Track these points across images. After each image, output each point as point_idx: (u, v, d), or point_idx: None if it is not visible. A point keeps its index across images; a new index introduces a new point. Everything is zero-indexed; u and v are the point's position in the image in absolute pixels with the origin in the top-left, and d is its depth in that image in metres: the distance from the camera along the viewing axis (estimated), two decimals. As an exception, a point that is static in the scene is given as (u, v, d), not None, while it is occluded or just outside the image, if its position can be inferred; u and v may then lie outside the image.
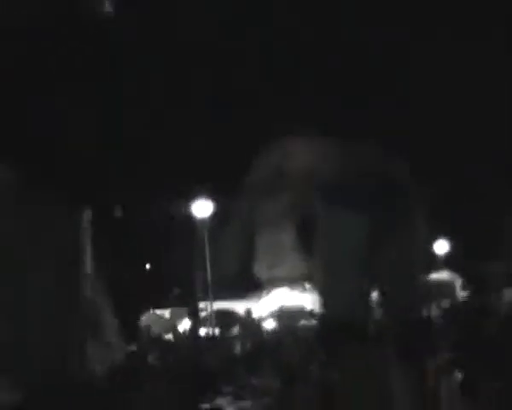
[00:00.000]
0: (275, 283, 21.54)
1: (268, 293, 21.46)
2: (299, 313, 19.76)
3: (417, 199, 3.44)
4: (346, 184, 3.12)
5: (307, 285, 22.05)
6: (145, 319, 16.63)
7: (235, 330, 15.13)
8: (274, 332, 14.66)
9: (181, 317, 17.48)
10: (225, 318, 16.69)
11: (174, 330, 16.08)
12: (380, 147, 3.37)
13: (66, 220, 2.01)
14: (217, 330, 14.96)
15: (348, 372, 3.24)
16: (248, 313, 16.98)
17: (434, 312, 9.89)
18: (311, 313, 20.48)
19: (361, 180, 3.13)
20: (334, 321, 2.99)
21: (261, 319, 16.85)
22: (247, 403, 7.42)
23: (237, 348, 12.79)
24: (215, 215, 20.52)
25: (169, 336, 14.83)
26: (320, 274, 3.79)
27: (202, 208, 19.63)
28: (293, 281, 21.95)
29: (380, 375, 3.24)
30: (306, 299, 22.41)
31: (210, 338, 13.03)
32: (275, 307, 20.07)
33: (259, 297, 21.07)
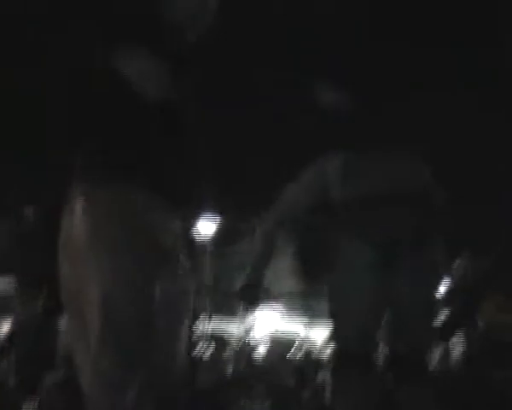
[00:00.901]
0: (271, 306, 21.79)
1: (262, 317, 21.78)
2: (293, 339, 19.90)
3: (440, 228, 3.31)
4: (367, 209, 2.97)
5: (303, 312, 22.37)
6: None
7: (229, 351, 15.15)
8: (267, 356, 14.64)
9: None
10: (220, 338, 16.74)
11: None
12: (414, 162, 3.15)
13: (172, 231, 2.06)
14: (210, 350, 15.01)
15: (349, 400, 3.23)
16: (244, 334, 17.00)
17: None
18: (304, 341, 20.67)
19: (383, 203, 2.97)
20: (345, 349, 2.90)
21: (255, 342, 16.88)
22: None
23: (229, 370, 12.75)
24: (220, 233, 20.70)
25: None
26: (331, 302, 3.66)
27: (207, 226, 19.75)
28: (290, 308, 22.19)
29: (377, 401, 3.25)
30: (301, 326, 22.78)
31: (203, 358, 13.03)
32: (269, 331, 20.21)
33: (254, 320, 21.34)
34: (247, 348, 14.90)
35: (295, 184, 3.50)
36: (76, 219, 2.08)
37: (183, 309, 2.23)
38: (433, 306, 3.38)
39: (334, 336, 3.36)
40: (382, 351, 3.42)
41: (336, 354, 3.33)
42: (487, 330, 6.62)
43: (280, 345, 16.74)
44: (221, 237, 20.74)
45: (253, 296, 3.75)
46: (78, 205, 2.10)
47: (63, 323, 8.00)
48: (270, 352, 15.68)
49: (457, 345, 6.97)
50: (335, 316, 3.37)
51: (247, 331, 17.56)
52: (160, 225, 2.14)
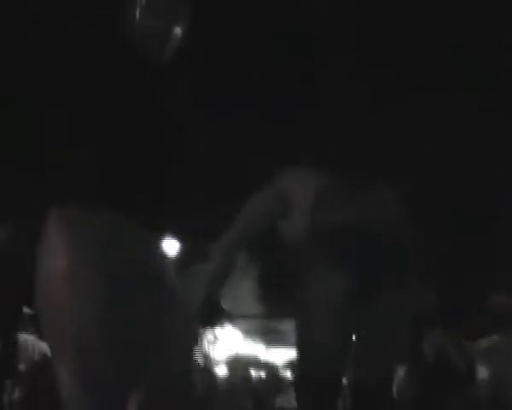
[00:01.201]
0: (232, 328, 21.50)
1: (223, 338, 20.90)
2: (254, 361, 19.87)
3: (414, 258, 3.20)
4: (342, 233, 2.84)
5: (264, 334, 22.47)
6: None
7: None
8: (228, 379, 14.58)
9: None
10: None
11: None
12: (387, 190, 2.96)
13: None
14: None
15: None
16: (205, 356, 16.88)
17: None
18: (264, 363, 20.68)
19: (362, 229, 2.85)
20: (311, 374, 2.84)
21: (215, 364, 16.76)
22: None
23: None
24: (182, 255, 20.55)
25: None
26: (299, 326, 3.49)
27: (170, 247, 19.68)
28: (250, 329, 22.23)
29: None
30: (262, 348, 22.74)
31: None
32: (230, 353, 20.13)
33: (215, 340, 20.58)
34: (206, 370, 14.85)
35: (251, 202, 3.47)
36: (54, 248, 2.10)
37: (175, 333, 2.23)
38: (401, 338, 3.38)
39: (300, 360, 3.33)
40: (348, 380, 3.42)
41: (301, 379, 3.32)
42: (434, 360, 6.78)
43: (240, 367, 16.72)
44: (185, 257, 20.61)
45: (212, 316, 3.69)
46: (55, 230, 2.12)
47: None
48: (229, 374, 15.64)
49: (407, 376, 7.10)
50: (302, 339, 3.34)
51: (207, 353, 17.46)
52: (137, 249, 2.19)
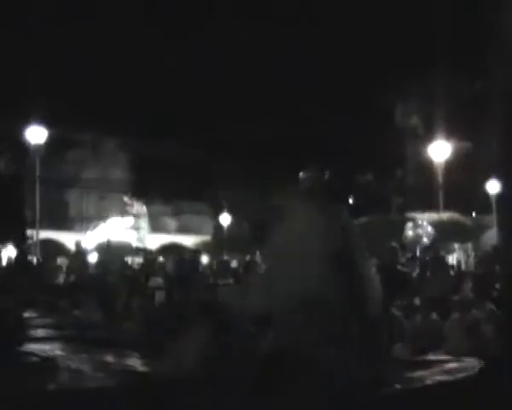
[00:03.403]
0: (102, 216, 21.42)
1: (94, 226, 21.00)
2: (125, 248, 19.15)
3: None
4: None
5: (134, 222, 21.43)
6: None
7: (60, 260, 15.35)
8: (99, 266, 13.81)
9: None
10: (51, 247, 17.09)
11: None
12: None
13: None
14: (41, 260, 14.88)
15: None
16: (76, 244, 16.61)
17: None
18: (136, 249, 17.54)
19: None
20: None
21: (86, 252, 16.61)
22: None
23: (61, 279, 11.99)
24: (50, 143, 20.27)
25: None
26: None
27: (36, 134, 19.51)
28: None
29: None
30: (132, 235, 21.25)
31: (34, 266, 12.84)
32: (101, 240, 19.35)
33: (86, 230, 20.81)
34: (79, 257, 14.74)
35: None
36: None
37: None
38: None
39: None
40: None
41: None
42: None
43: (111, 256, 16.76)
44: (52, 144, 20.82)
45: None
46: None
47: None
48: (101, 262, 15.14)
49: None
50: None
51: (80, 240, 17.30)
52: None
